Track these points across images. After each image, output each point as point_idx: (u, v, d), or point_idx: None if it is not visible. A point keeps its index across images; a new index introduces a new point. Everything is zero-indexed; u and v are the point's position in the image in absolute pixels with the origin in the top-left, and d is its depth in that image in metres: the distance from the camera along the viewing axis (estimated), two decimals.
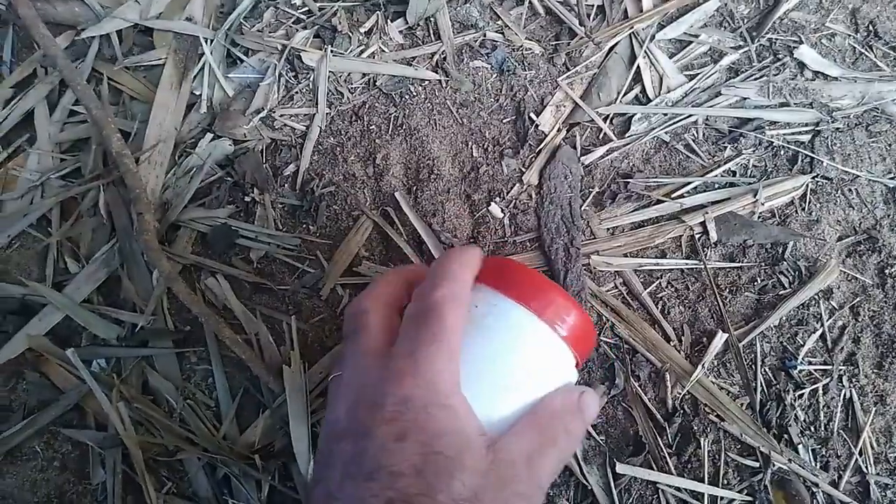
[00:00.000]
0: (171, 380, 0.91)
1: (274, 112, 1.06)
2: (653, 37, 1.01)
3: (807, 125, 0.94)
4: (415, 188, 1.00)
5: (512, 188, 0.96)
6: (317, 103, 1.05)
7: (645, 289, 0.87)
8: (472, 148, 1.01)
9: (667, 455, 0.79)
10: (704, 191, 0.93)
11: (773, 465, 0.77)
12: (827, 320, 0.82)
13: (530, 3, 1.05)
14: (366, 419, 0.37)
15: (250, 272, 0.97)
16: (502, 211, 0.94)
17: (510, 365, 0.51)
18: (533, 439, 0.42)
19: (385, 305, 0.49)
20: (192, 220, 0.99)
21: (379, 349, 0.44)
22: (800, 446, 0.77)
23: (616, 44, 1.02)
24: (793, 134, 0.94)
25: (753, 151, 0.94)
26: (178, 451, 0.87)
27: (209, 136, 1.02)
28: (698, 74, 1.01)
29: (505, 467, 0.40)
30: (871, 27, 1.00)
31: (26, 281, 0.95)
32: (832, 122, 0.93)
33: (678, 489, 0.77)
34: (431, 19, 1.04)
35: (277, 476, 0.85)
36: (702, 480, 0.77)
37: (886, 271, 0.83)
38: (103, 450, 0.87)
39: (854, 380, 0.79)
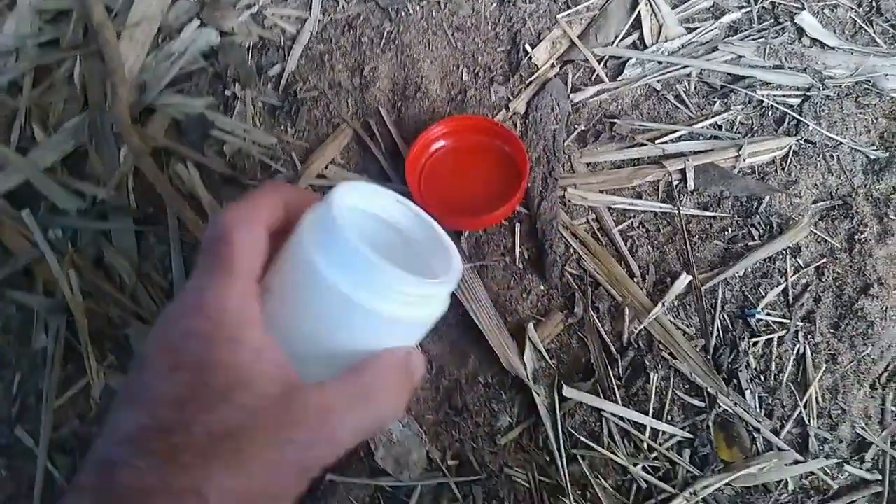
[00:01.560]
0: (126, 257, 0.89)
1: (266, 10, 1.04)
2: None
3: (798, 89, 0.94)
4: (400, 104, 0.98)
5: (497, 114, 0.95)
6: (310, 8, 1.04)
7: (616, 226, 0.87)
8: (462, 72, 0.99)
9: (615, 386, 0.78)
10: (689, 140, 0.92)
11: (719, 407, 0.77)
12: (791, 276, 0.82)
13: None
14: (150, 350, 0.34)
15: (222, 165, 0.95)
16: None
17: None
18: (343, 391, 0.36)
19: (249, 231, 0.38)
20: (168, 105, 0.97)
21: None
22: (747, 392, 0.77)
23: None
24: (783, 96, 0.93)
25: (742, 109, 0.93)
26: (125, 325, 0.85)
27: (196, 22, 1.00)
28: (698, 28, 1.00)
29: (294, 412, 0.34)
30: (873, 3, 1.00)
31: None
32: (823, 89, 0.92)
33: (622, 419, 0.77)
34: None
35: None
36: (646, 413, 0.77)
37: (856, 237, 0.83)
38: (49, 315, 0.85)
39: (809, 336, 0.79)
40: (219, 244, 0.36)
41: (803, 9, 0.98)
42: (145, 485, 0.29)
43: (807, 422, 0.77)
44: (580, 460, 0.76)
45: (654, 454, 0.76)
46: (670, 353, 0.79)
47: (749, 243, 0.84)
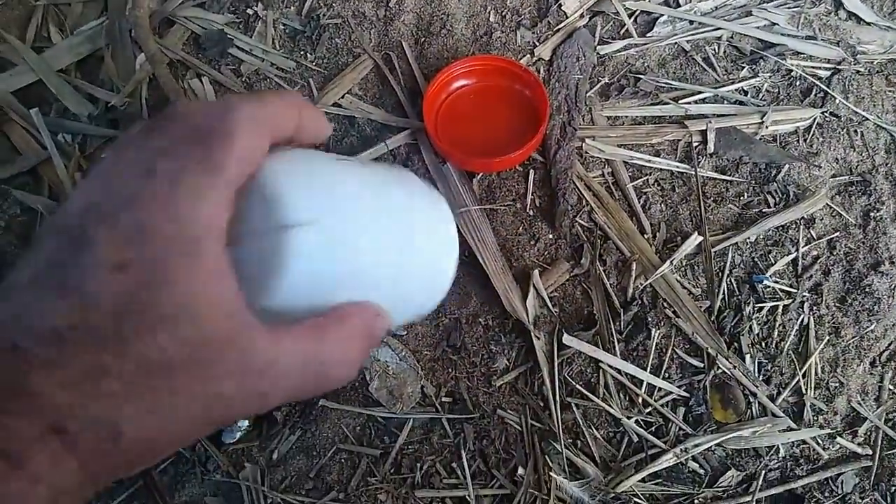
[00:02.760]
0: None
1: None
2: None
3: (829, 62, 0.92)
4: (423, 40, 0.96)
5: (521, 59, 0.93)
6: None
7: (631, 181, 0.86)
8: (489, 12, 0.97)
9: (615, 339, 0.78)
10: (713, 103, 0.90)
11: (717, 369, 0.76)
12: (803, 247, 0.81)
13: None
14: (96, 227, 0.28)
15: (238, 84, 0.93)
16: None
17: None
18: (296, 348, 0.32)
19: (255, 136, 0.33)
20: (188, 19, 0.95)
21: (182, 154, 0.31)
22: (747, 356, 0.77)
23: None
24: (813, 67, 0.92)
25: (770, 77, 0.92)
26: None
27: None
28: None
29: (234, 360, 0.30)
30: None
31: (5, 35, 0.90)
32: (854, 63, 0.91)
33: (619, 371, 0.76)
34: None
35: None
36: (644, 369, 0.76)
37: (871, 214, 0.82)
38: None
39: (815, 308, 0.79)
40: (217, 137, 0.30)
41: None
42: (56, 401, 0.25)
43: (804, 391, 0.76)
44: (574, 409, 0.76)
45: (649, 409, 0.76)
46: (674, 312, 0.78)
47: (763, 210, 0.83)
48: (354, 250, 0.37)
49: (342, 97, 0.91)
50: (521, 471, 0.73)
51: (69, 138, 0.88)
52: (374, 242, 0.38)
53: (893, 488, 0.73)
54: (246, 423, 0.76)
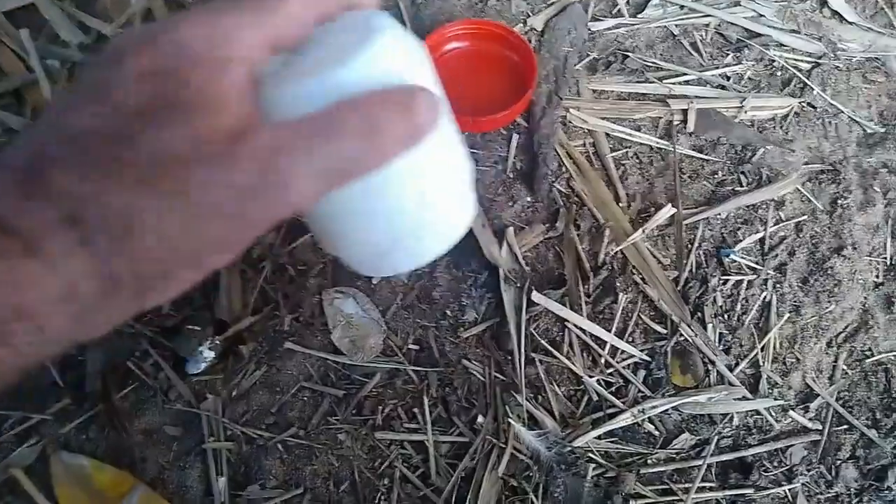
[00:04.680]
0: None
1: None
2: None
3: (810, 55, 0.95)
4: (420, 2, 0.98)
5: (515, 27, 0.94)
6: None
7: (611, 152, 0.88)
8: None
9: (583, 301, 0.79)
10: (696, 85, 0.93)
11: (680, 336, 0.78)
12: (771, 227, 0.84)
13: None
14: (136, 47, 0.29)
15: None
16: None
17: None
18: (300, 127, 0.29)
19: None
20: None
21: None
22: (709, 326, 0.79)
23: None
24: (795, 59, 0.94)
25: (753, 65, 0.94)
26: None
27: None
28: None
29: (237, 152, 0.28)
30: None
31: None
32: (834, 59, 0.94)
33: (584, 331, 0.78)
34: None
35: None
36: (609, 331, 0.78)
37: (839, 202, 0.85)
38: None
39: (778, 286, 0.81)
40: None
41: None
42: (72, 190, 0.26)
43: (761, 364, 0.78)
44: (538, 364, 0.77)
45: (611, 370, 0.78)
46: (642, 279, 0.80)
47: (736, 189, 0.86)
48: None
49: None
50: (480, 419, 0.74)
51: (57, 64, 0.87)
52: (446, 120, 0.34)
53: (839, 462, 0.75)
54: (212, 354, 0.76)
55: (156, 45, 0.29)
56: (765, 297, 0.81)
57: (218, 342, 0.77)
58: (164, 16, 0.83)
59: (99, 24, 0.87)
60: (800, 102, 0.90)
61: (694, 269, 0.81)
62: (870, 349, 0.80)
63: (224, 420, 0.75)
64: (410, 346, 0.78)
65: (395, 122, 0.30)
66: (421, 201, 0.37)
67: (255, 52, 0.31)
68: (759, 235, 0.83)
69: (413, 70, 0.34)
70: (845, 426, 0.77)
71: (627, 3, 0.98)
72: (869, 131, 0.90)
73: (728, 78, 0.92)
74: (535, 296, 0.78)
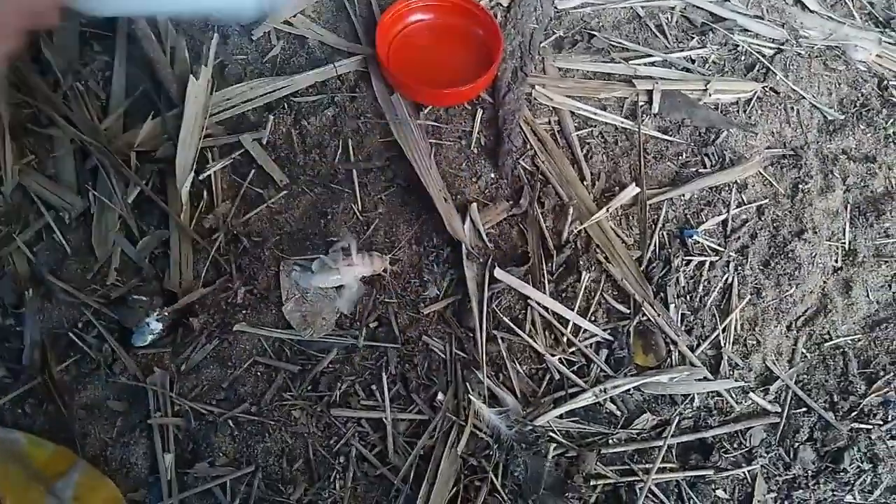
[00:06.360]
0: (66, 57, 0.83)
1: None
2: None
3: (773, 41, 0.95)
4: None
5: (481, 1, 0.92)
6: None
7: (576, 131, 0.86)
8: None
9: (546, 279, 0.78)
10: (661, 67, 0.92)
11: (643, 315, 0.77)
12: (733, 209, 0.83)
13: None
14: None
15: None
16: None
17: None
18: None
19: None
20: None
21: None
22: (672, 306, 0.78)
23: None
24: (758, 45, 0.95)
25: (717, 49, 0.94)
26: (51, 125, 0.80)
27: None
28: None
29: None
30: None
31: None
32: (797, 46, 0.94)
33: (547, 310, 0.76)
34: None
35: (150, 183, 0.79)
36: (572, 310, 0.77)
37: (800, 186, 0.85)
38: None
39: (739, 268, 0.81)
40: None
41: None
42: None
43: (722, 345, 0.78)
44: (499, 342, 0.75)
45: (573, 349, 0.76)
46: (605, 258, 0.79)
47: (700, 170, 0.85)
48: None
49: (294, 16, 0.89)
50: (440, 397, 0.72)
51: None
52: None
53: (797, 444, 0.76)
54: (160, 326, 0.73)
55: None
56: (727, 279, 0.80)
57: (167, 314, 0.73)
58: None
59: None
60: (763, 87, 0.90)
61: (657, 250, 0.81)
62: (828, 333, 0.80)
63: (172, 395, 0.71)
64: (371, 324, 0.76)
65: None
66: None
67: None
68: (722, 217, 0.83)
69: None
70: (804, 409, 0.77)
71: None
72: (830, 118, 0.90)
73: (693, 61, 0.92)
74: (498, 272, 0.76)
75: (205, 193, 0.79)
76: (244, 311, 0.75)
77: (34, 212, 0.78)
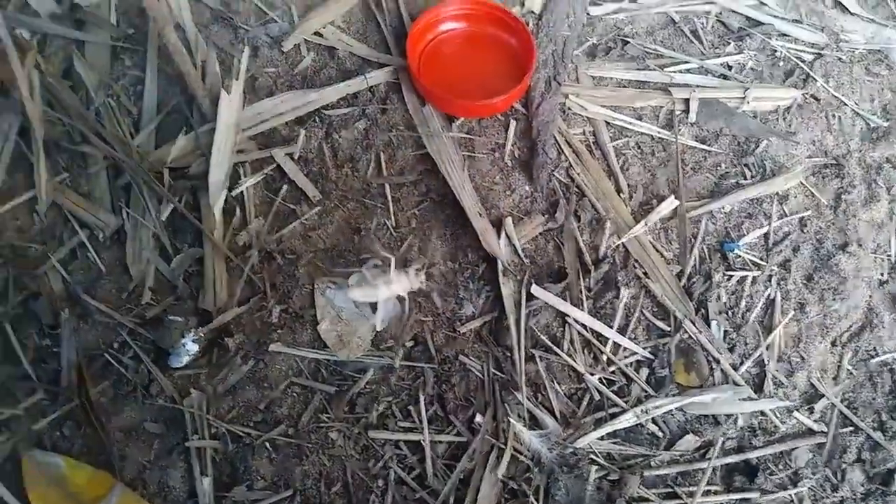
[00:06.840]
0: (97, 72, 0.83)
1: None
2: None
3: (813, 46, 0.93)
4: None
5: (512, 8, 0.91)
6: None
7: (612, 142, 0.84)
8: None
9: (584, 296, 0.76)
10: (697, 74, 0.90)
11: (683, 333, 0.76)
12: (775, 221, 0.81)
13: None
14: None
15: (216, 1, 0.89)
16: None
17: None
18: None
19: None
20: None
21: None
22: (713, 323, 0.76)
23: None
24: (797, 50, 0.92)
25: (755, 55, 0.92)
26: (84, 142, 0.79)
27: None
28: None
29: None
30: None
31: None
32: (837, 50, 0.92)
33: (585, 327, 0.75)
34: None
35: (183, 200, 0.78)
36: (611, 327, 0.75)
37: (843, 197, 0.83)
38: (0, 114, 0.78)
39: (782, 283, 0.79)
40: None
41: None
42: None
43: (766, 363, 0.76)
44: (538, 361, 0.74)
45: (613, 368, 0.75)
46: (644, 273, 0.77)
47: (740, 181, 0.83)
48: None
49: (324, 27, 0.88)
50: (479, 418, 0.71)
51: (27, 34, 0.82)
52: None
53: (845, 465, 0.74)
54: (196, 347, 0.72)
55: None
56: (769, 295, 0.78)
57: (202, 334, 0.72)
58: None
59: None
60: (803, 94, 0.88)
61: (698, 264, 0.79)
62: (875, 349, 0.78)
63: (209, 417, 0.70)
64: (407, 343, 0.74)
65: None
66: None
67: None
68: (763, 230, 0.81)
69: None
70: (851, 428, 0.75)
71: None
72: (872, 125, 0.88)
73: (730, 67, 0.90)
74: (535, 289, 0.74)
75: (237, 210, 0.78)
76: (279, 331, 0.74)
77: (68, 230, 0.77)
